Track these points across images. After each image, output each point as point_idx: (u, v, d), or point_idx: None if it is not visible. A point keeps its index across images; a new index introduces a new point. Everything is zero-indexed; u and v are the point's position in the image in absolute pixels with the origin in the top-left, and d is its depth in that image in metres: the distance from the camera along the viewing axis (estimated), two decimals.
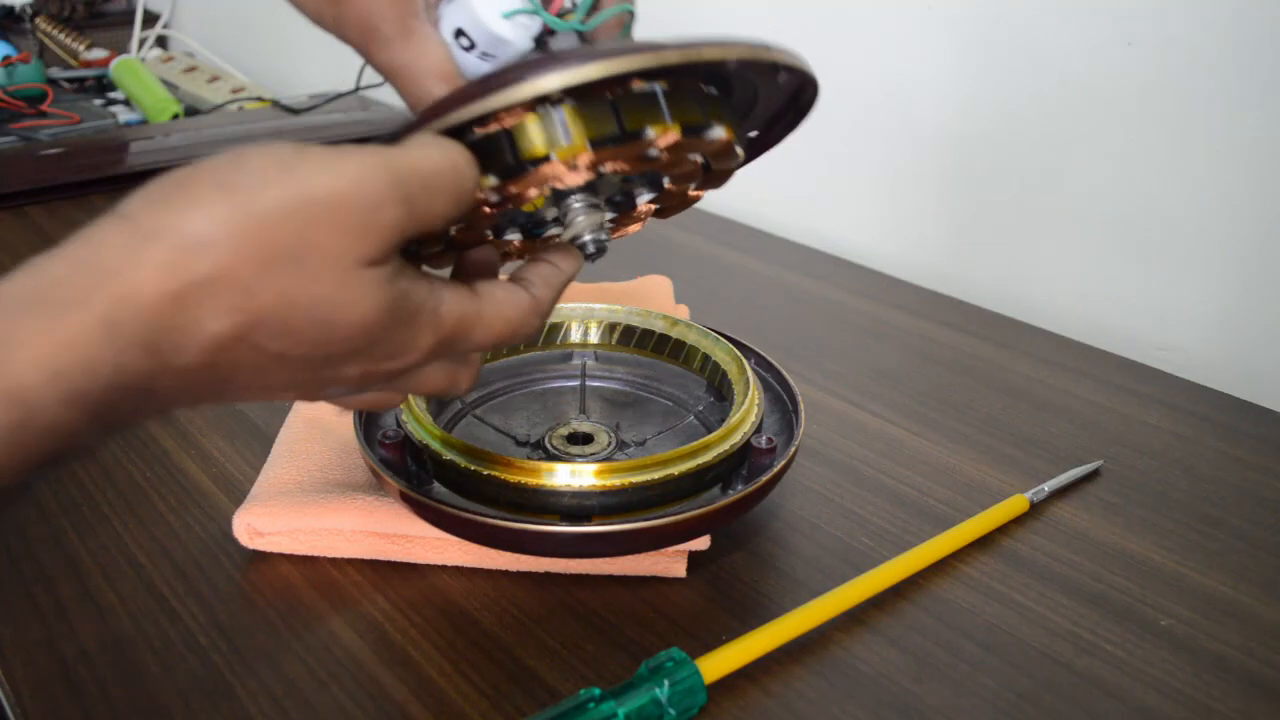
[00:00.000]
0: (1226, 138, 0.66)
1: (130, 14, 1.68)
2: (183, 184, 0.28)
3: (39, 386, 0.25)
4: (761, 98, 0.42)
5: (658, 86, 0.35)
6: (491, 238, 0.40)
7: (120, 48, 1.54)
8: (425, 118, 0.33)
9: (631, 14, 0.41)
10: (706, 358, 0.55)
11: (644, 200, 0.41)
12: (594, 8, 0.40)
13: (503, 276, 0.37)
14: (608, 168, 0.35)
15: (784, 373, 0.54)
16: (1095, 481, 0.55)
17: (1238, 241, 0.67)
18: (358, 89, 1.32)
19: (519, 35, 0.40)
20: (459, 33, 0.40)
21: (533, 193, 0.35)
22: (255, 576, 0.46)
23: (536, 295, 0.36)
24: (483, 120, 0.33)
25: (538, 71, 0.32)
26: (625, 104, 0.34)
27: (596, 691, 0.37)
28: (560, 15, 0.40)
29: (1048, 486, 0.52)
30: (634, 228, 0.44)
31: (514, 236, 0.41)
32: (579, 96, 0.34)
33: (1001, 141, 0.78)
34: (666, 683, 0.38)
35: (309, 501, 0.47)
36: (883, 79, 0.85)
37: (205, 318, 0.27)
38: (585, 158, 0.34)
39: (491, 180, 0.34)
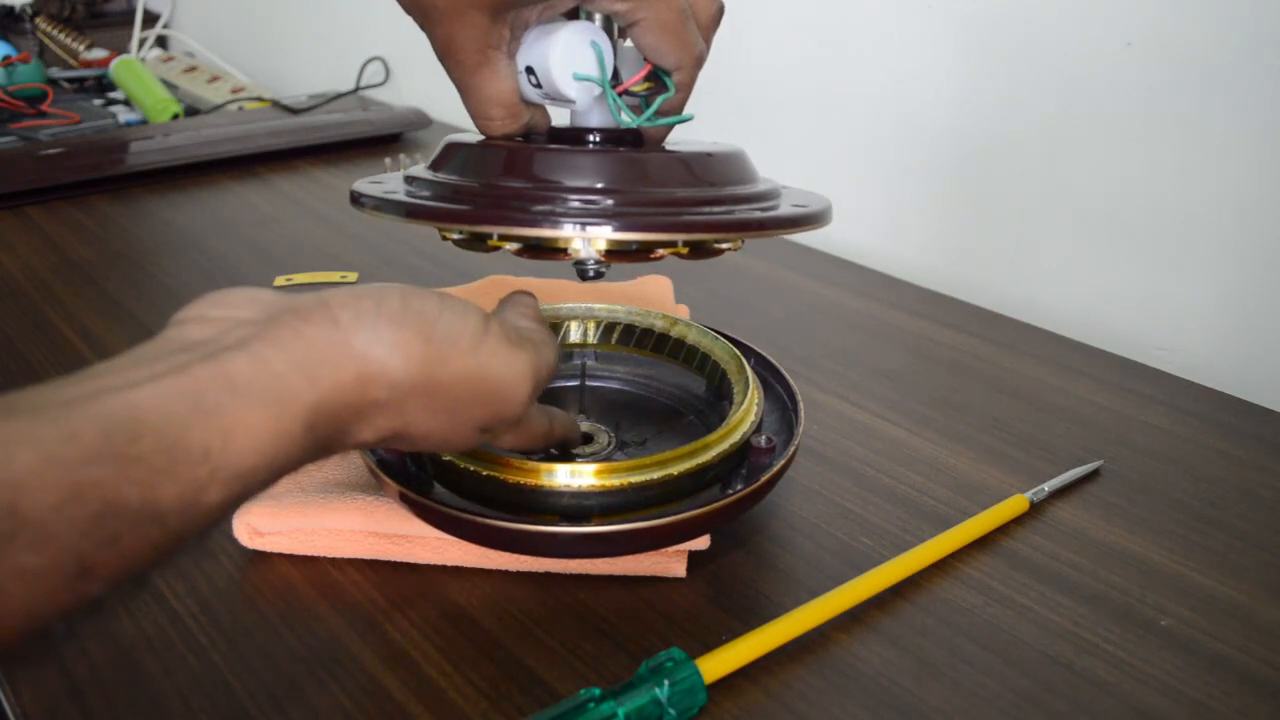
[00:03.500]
0: (1227, 137, 0.66)
1: (130, 14, 1.68)
2: (394, 320, 0.32)
3: (256, 471, 0.29)
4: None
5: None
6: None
7: (120, 48, 1.54)
8: (487, 215, 0.39)
9: (688, 119, 0.45)
10: (706, 357, 0.55)
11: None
12: (657, 104, 0.44)
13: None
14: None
15: (783, 372, 0.54)
16: (1095, 481, 0.55)
17: (1238, 241, 0.67)
18: (358, 89, 1.32)
19: (582, 96, 0.43)
20: (530, 69, 0.42)
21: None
22: (255, 576, 0.46)
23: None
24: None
25: (594, 225, 0.38)
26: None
27: (596, 691, 0.37)
28: (624, 92, 0.43)
29: (1048, 486, 0.52)
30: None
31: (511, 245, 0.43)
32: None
33: (1001, 141, 0.78)
34: (666, 683, 0.38)
35: (309, 501, 0.47)
36: (883, 78, 0.85)
37: (365, 429, 0.32)
38: (597, 257, 0.41)
39: (512, 245, 0.41)
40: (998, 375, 0.66)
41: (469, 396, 0.34)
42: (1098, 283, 0.75)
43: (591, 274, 0.44)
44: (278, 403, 0.29)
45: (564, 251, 0.41)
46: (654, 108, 0.43)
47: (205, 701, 0.39)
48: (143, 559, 0.26)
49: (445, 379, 0.33)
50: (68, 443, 0.24)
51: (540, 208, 0.39)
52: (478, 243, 0.41)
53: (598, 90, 0.43)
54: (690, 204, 0.40)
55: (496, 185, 0.41)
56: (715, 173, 0.42)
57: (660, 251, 0.41)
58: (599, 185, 0.40)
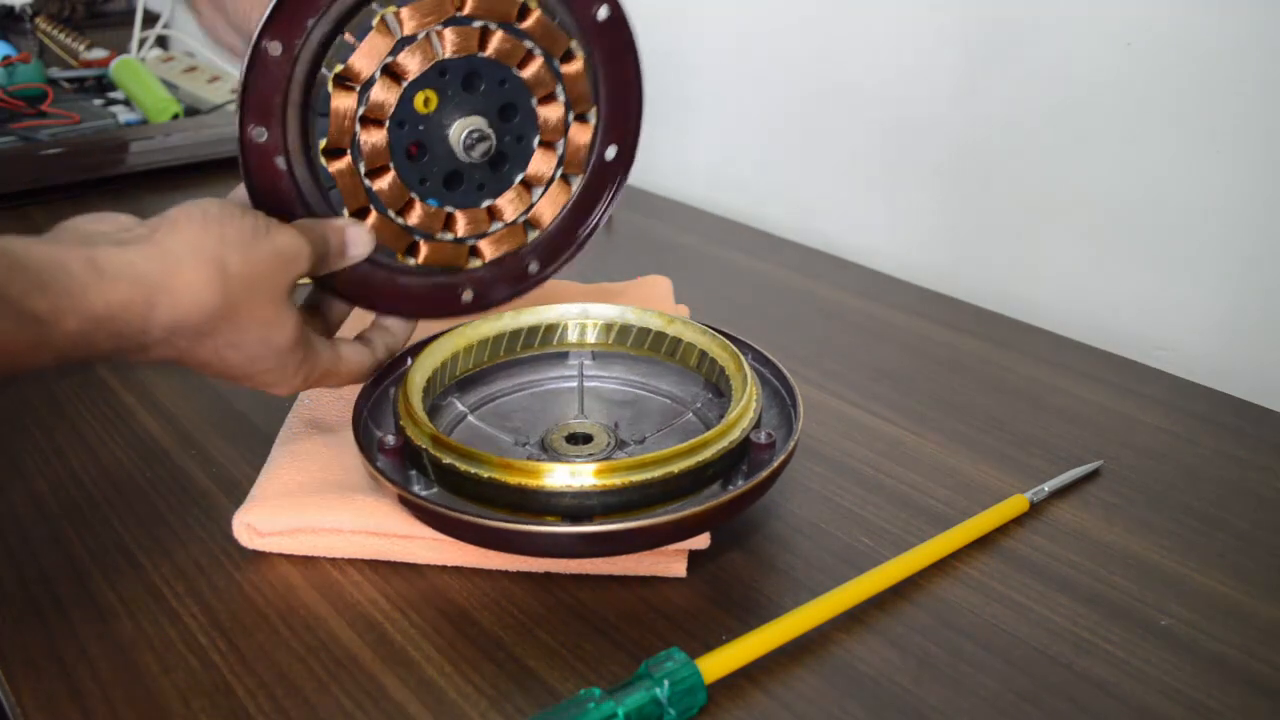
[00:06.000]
0: (1226, 137, 0.66)
1: (130, 14, 1.68)
2: (209, 218, 0.43)
3: (102, 321, 0.39)
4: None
5: None
6: (417, 200, 0.52)
7: (120, 48, 1.54)
8: None
9: None
10: (704, 355, 0.55)
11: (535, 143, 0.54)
12: None
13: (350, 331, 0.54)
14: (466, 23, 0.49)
15: (781, 368, 0.54)
16: (1095, 481, 0.55)
17: (1238, 241, 0.67)
18: None
19: None
20: None
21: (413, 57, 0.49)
22: (255, 576, 0.46)
23: (377, 356, 0.53)
24: None
25: None
26: None
27: (596, 691, 0.37)
28: None
29: (1048, 486, 0.52)
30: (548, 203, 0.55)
31: (444, 206, 0.53)
32: None
33: (1001, 141, 0.78)
34: (666, 682, 0.38)
35: (309, 502, 0.47)
36: (883, 78, 0.85)
37: (205, 323, 0.42)
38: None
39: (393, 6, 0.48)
40: (998, 375, 0.66)
41: (275, 266, 0.44)
42: (1098, 282, 0.75)
43: (473, 140, 0.51)
44: (122, 286, 0.39)
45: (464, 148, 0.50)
46: None
47: (205, 701, 0.40)
48: (8, 352, 0.37)
49: (259, 260, 0.43)
50: None
51: None
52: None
53: None
54: None
55: None
56: None
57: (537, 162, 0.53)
58: None
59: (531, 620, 0.44)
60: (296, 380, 0.48)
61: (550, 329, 0.57)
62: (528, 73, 0.52)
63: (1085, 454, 0.57)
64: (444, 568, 0.47)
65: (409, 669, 0.41)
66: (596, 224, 0.58)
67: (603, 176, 0.57)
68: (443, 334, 0.55)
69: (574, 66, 0.53)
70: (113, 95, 1.33)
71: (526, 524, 0.43)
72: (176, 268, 0.41)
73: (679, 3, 1.00)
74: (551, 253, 0.57)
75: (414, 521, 0.46)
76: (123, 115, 1.21)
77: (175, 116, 1.22)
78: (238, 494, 0.51)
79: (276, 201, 0.48)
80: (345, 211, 0.50)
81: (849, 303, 0.77)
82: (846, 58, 0.87)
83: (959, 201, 0.82)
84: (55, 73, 1.38)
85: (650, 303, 0.71)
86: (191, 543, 0.48)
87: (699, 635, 0.43)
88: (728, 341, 0.54)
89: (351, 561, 0.47)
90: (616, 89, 0.55)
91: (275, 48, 0.46)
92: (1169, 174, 0.69)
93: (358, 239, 0.50)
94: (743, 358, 0.52)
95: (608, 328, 0.58)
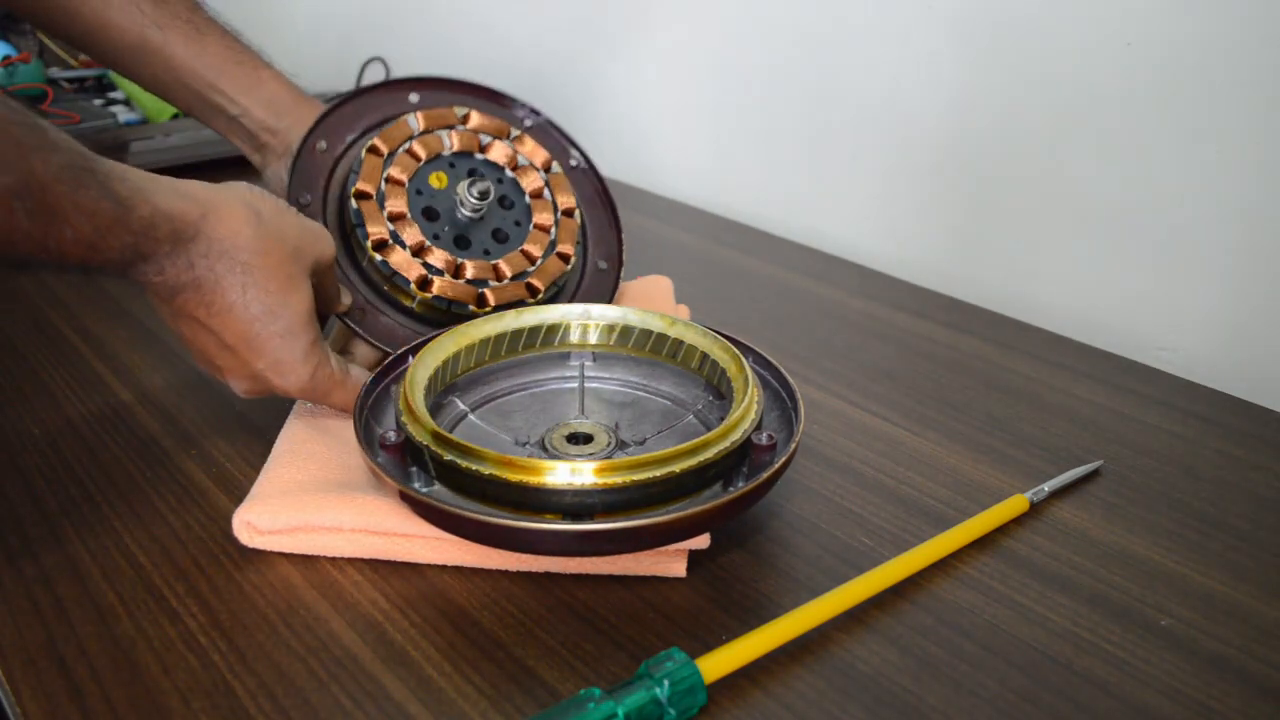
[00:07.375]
0: (1226, 137, 0.66)
1: None
2: (251, 187, 0.51)
3: (166, 218, 0.45)
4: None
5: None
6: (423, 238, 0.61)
7: None
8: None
9: None
10: (705, 356, 0.55)
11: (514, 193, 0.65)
12: None
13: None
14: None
15: (782, 370, 0.54)
16: (1095, 481, 0.55)
17: (1238, 241, 0.67)
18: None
19: None
20: None
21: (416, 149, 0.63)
22: (255, 576, 0.46)
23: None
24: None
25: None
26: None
27: (596, 691, 0.37)
28: None
29: (1048, 486, 0.52)
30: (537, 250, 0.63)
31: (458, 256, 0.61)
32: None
33: (1001, 141, 0.78)
34: (666, 682, 0.38)
35: (309, 501, 0.47)
36: (883, 79, 0.85)
37: (240, 251, 0.48)
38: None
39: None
40: (998, 375, 0.66)
41: (301, 236, 0.51)
42: (1098, 283, 0.75)
43: (475, 196, 0.60)
44: (181, 198, 0.46)
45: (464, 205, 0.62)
46: None
47: (205, 701, 0.40)
48: (98, 222, 0.42)
49: (289, 226, 0.50)
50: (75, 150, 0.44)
51: None
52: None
53: None
54: None
55: None
56: None
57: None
58: None
59: (531, 620, 0.44)
60: (304, 369, 0.50)
61: (552, 329, 0.57)
62: (521, 175, 0.64)
63: (1085, 454, 0.57)
64: (444, 567, 0.47)
65: (409, 669, 0.41)
66: None
67: (598, 281, 0.67)
68: (444, 333, 0.55)
69: (558, 174, 0.66)
70: (113, 95, 1.33)
71: (527, 521, 0.43)
72: (223, 200, 0.48)
73: (681, 3, 1.00)
74: None
75: (414, 520, 0.46)
76: (123, 115, 1.21)
77: (175, 116, 1.22)
78: (238, 494, 0.51)
79: None
80: (368, 243, 0.59)
81: (849, 303, 0.77)
82: (846, 58, 0.87)
83: (959, 201, 0.82)
84: (55, 73, 1.38)
85: (651, 302, 0.71)
86: (191, 543, 0.48)
87: (699, 635, 0.43)
88: (729, 344, 0.54)
89: (351, 561, 0.47)
90: (595, 217, 0.68)
91: (322, 144, 0.63)
92: (1169, 174, 0.69)
93: (344, 291, 0.59)
94: (744, 360, 0.52)
95: (609, 329, 0.58)
